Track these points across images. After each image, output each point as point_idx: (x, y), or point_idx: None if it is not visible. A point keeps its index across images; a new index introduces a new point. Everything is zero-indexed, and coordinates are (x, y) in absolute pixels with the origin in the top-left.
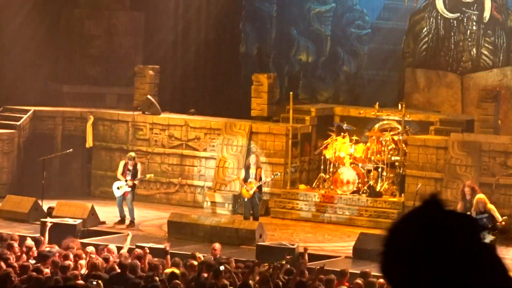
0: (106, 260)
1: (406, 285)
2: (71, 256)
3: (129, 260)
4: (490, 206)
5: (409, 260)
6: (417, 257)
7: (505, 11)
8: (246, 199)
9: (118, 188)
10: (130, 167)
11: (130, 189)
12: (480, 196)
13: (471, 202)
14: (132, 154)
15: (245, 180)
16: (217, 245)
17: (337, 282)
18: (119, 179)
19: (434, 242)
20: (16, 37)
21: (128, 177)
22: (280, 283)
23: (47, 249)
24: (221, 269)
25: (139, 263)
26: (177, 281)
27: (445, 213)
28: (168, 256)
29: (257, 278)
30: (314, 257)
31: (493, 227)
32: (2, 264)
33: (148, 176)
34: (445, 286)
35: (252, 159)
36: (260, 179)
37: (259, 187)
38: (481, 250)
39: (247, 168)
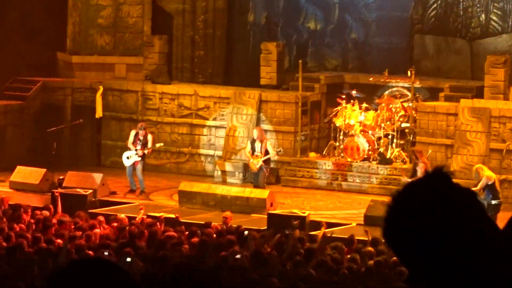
0: (119, 229)
1: (407, 253)
2: (81, 226)
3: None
4: (486, 174)
5: (412, 230)
6: (421, 228)
7: None
8: (254, 172)
9: (127, 158)
10: (141, 137)
11: (139, 158)
12: (478, 165)
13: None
14: (143, 124)
15: (252, 152)
16: (228, 214)
17: (348, 249)
18: (129, 149)
19: (439, 214)
20: (24, 8)
21: (138, 147)
22: (297, 251)
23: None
24: (245, 234)
25: (156, 232)
26: None
27: (452, 186)
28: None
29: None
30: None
31: None
32: (14, 234)
33: (158, 145)
34: (447, 259)
35: (255, 133)
36: (266, 152)
37: (265, 160)
38: (485, 227)
39: (252, 141)
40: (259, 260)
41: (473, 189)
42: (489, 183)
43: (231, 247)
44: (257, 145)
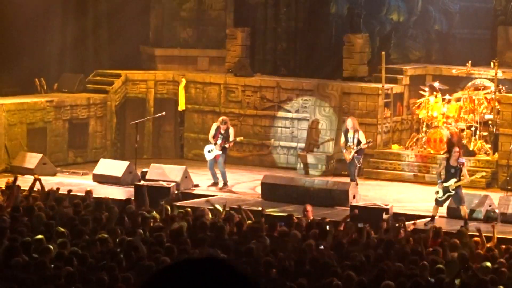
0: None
1: None
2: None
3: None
4: None
5: None
6: None
7: None
8: (348, 162)
9: (209, 151)
10: (222, 131)
11: (220, 152)
12: None
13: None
14: (225, 118)
15: (346, 143)
16: (309, 207)
17: (432, 241)
18: (210, 142)
19: None
20: (109, 1)
21: (219, 141)
22: (374, 243)
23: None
24: (327, 228)
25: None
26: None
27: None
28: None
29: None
30: (408, 217)
31: None
32: (97, 227)
33: (238, 139)
34: None
35: (349, 123)
36: (359, 142)
37: (358, 151)
38: None
39: (345, 131)
40: (339, 252)
41: None
42: None
43: (311, 240)
44: (350, 135)
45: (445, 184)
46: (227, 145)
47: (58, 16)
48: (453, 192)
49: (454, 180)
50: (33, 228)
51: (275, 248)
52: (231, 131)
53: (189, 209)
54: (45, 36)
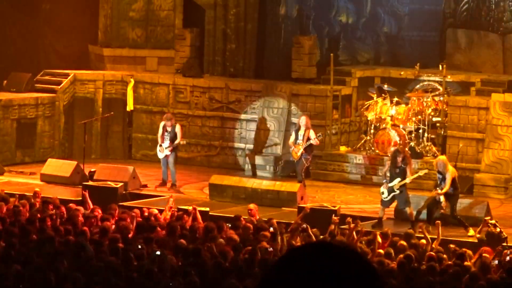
0: (148, 221)
1: None
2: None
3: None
4: (451, 169)
5: None
6: None
7: None
8: (295, 161)
9: (159, 151)
10: (168, 129)
11: (170, 153)
12: (441, 157)
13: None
14: (169, 114)
15: (295, 140)
16: (252, 206)
17: (381, 244)
18: (158, 141)
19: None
20: (56, 1)
21: (167, 140)
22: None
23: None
24: (272, 230)
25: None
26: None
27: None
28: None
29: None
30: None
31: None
32: (45, 227)
33: (182, 142)
34: None
35: (302, 120)
36: (308, 139)
37: (306, 148)
38: None
39: (296, 130)
40: None
41: (441, 191)
42: (454, 177)
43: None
44: (301, 133)
45: (389, 184)
46: (169, 148)
47: (5, 14)
48: (398, 191)
49: (398, 179)
50: None
51: (224, 249)
52: (178, 129)
53: (137, 210)
54: None
